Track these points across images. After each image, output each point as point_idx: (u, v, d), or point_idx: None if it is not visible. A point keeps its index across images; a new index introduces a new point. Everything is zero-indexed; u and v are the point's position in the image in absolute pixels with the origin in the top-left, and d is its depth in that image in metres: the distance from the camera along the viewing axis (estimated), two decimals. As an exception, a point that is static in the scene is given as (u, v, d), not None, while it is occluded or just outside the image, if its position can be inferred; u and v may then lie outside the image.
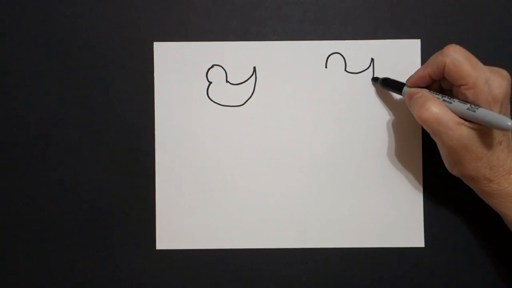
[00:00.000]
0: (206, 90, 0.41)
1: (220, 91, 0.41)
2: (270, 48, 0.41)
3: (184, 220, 0.41)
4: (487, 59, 0.41)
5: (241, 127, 0.41)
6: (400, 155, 0.41)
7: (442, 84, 0.37)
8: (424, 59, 0.41)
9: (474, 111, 0.33)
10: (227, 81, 0.41)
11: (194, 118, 0.41)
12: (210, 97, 0.41)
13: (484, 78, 0.33)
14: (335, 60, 0.41)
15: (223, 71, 0.41)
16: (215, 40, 0.41)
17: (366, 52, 0.41)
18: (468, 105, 0.33)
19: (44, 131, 0.41)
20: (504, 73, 0.34)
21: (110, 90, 0.41)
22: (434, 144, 0.41)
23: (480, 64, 0.33)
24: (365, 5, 0.41)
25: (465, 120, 0.33)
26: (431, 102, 0.34)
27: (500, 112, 0.33)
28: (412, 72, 0.41)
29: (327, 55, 0.41)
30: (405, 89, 0.38)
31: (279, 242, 0.41)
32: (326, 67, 0.41)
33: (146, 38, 0.41)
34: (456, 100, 0.34)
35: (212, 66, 0.41)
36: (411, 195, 0.41)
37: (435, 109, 0.34)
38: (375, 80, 0.40)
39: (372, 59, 0.41)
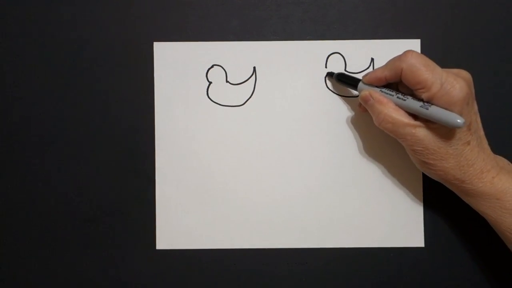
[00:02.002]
0: (206, 90, 0.41)
1: (220, 91, 0.41)
2: (270, 48, 0.41)
3: (184, 220, 0.41)
4: (487, 59, 0.41)
5: (241, 127, 0.41)
6: (400, 155, 0.41)
7: (399, 87, 0.37)
8: (424, 59, 0.41)
9: (427, 109, 0.33)
10: (227, 81, 0.41)
11: (194, 118, 0.41)
12: (210, 97, 0.41)
13: (440, 81, 0.33)
14: (335, 60, 0.41)
15: (223, 71, 0.41)
16: (215, 40, 0.41)
17: (366, 52, 0.41)
18: (421, 103, 0.34)
19: (44, 131, 0.41)
20: (464, 74, 0.35)
21: (110, 90, 0.41)
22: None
23: (437, 68, 0.34)
24: (365, 5, 0.41)
25: (423, 122, 0.34)
26: (387, 109, 0.35)
27: (461, 114, 0.33)
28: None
29: (327, 55, 0.41)
30: (360, 85, 0.38)
31: (279, 242, 0.41)
32: (326, 67, 0.41)
33: (146, 38, 0.41)
34: (409, 98, 0.34)
35: (212, 66, 0.41)
36: (411, 195, 0.41)
37: (391, 116, 0.35)
38: (330, 75, 0.40)
39: (372, 59, 0.41)
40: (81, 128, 0.41)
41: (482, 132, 0.36)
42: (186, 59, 0.41)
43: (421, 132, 0.34)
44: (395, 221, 0.41)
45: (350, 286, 0.41)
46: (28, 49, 0.41)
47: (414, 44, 0.41)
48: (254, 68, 0.41)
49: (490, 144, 0.41)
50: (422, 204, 0.41)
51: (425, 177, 0.41)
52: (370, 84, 0.37)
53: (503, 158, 0.37)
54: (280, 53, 0.41)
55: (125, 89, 0.41)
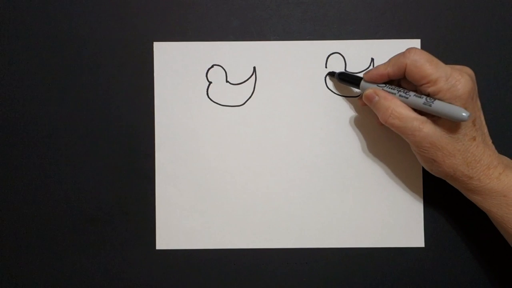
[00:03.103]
0: (206, 90, 0.41)
1: (220, 91, 0.41)
2: (270, 48, 0.41)
3: (184, 220, 0.41)
4: (487, 59, 0.41)
5: (241, 127, 0.41)
6: (400, 155, 0.41)
7: (401, 84, 0.37)
8: (424, 59, 0.41)
9: (430, 105, 0.33)
10: (227, 81, 0.41)
11: (194, 118, 0.41)
12: (210, 97, 0.41)
13: (445, 76, 0.33)
14: (335, 60, 0.41)
15: (223, 71, 0.41)
16: (215, 40, 0.41)
17: (366, 52, 0.41)
18: (424, 99, 0.34)
19: (44, 131, 0.41)
20: (467, 70, 0.35)
21: (110, 90, 0.41)
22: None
23: (441, 64, 0.34)
24: (365, 5, 0.41)
25: (430, 117, 0.34)
26: (393, 105, 0.35)
27: (466, 108, 0.33)
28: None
29: (327, 55, 0.41)
30: (363, 84, 0.38)
31: (279, 242, 0.41)
32: (326, 67, 0.41)
33: (146, 38, 0.41)
34: (412, 94, 0.35)
35: (212, 66, 0.41)
36: (411, 195, 0.41)
37: (398, 112, 0.35)
38: (331, 74, 0.40)
39: (372, 59, 0.41)
40: (81, 128, 0.41)
41: (486, 129, 0.36)
42: (186, 59, 0.41)
43: (429, 127, 0.34)
44: (395, 221, 0.41)
45: (350, 286, 0.41)
46: (28, 49, 0.41)
47: (414, 44, 0.41)
48: (254, 68, 0.41)
49: (490, 144, 0.41)
50: (422, 204, 0.41)
51: (425, 177, 0.41)
52: (372, 82, 0.37)
53: (506, 157, 0.37)
54: (280, 53, 0.41)
55: (125, 89, 0.41)
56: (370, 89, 0.36)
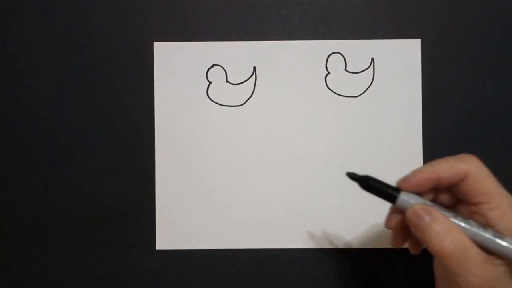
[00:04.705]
0: (206, 90, 0.41)
1: (220, 91, 0.41)
2: (270, 48, 0.41)
3: (184, 220, 0.41)
4: (487, 59, 0.41)
5: (241, 127, 0.41)
6: (400, 155, 0.41)
7: (438, 196, 0.30)
8: (424, 59, 0.41)
9: (502, 241, 0.26)
10: (227, 81, 0.41)
11: (194, 118, 0.41)
12: (210, 97, 0.41)
13: (508, 200, 0.27)
14: (335, 60, 0.41)
15: (223, 71, 0.41)
16: (215, 40, 0.41)
17: (366, 52, 0.41)
18: (491, 232, 0.26)
19: (44, 131, 0.41)
20: None
21: (110, 90, 0.41)
22: (434, 143, 0.41)
23: (500, 185, 0.28)
24: (365, 5, 0.41)
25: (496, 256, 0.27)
26: (454, 232, 0.27)
27: None
28: (413, 72, 0.41)
29: (327, 55, 0.41)
30: (403, 197, 0.28)
31: (279, 242, 0.41)
32: (326, 67, 0.41)
33: (146, 38, 0.41)
34: (474, 224, 0.27)
35: (212, 66, 0.41)
36: (411, 195, 0.41)
37: (461, 242, 0.27)
38: (351, 177, 0.31)
39: (372, 59, 0.41)
40: (81, 128, 0.41)
41: None
42: (186, 59, 0.41)
43: (493, 269, 0.26)
44: (395, 221, 0.41)
45: (350, 286, 0.41)
46: (28, 49, 0.41)
47: (414, 44, 0.41)
48: (254, 68, 0.41)
49: (490, 145, 0.41)
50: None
51: (425, 177, 0.41)
52: (413, 191, 0.29)
53: None
54: (280, 53, 0.41)
55: (125, 89, 0.41)
56: (420, 204, 0.28)
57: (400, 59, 0.41)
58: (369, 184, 0.30)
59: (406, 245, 0.32)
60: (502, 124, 0.41)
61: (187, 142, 0.41)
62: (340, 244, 0.41)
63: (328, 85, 0.41)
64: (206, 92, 0.41)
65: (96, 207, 0.41)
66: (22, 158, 0.41)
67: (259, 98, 0.41)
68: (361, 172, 0.41)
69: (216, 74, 0.41)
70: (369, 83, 0.41)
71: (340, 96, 0.41)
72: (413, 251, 0.32)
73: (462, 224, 0.27)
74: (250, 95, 0.41)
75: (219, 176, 0.41)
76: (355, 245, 0.41)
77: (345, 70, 0.41)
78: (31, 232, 0.41)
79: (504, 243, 0.26)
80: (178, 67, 0.41)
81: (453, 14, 0.41)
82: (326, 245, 0.41)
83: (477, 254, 0.26)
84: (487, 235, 0.27)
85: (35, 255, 0.41)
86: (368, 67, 0.41)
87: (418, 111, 0.41)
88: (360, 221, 0.41)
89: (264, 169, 0.41)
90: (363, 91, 0.41)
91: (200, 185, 0.41)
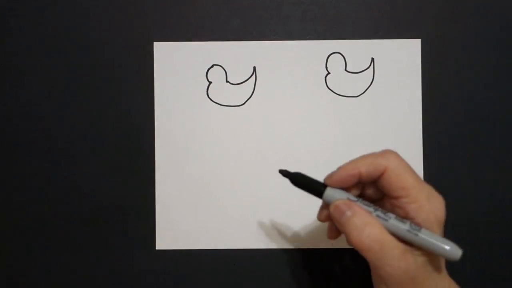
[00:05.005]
0: (206, 90, 0.41)
1: (220, 91, 0.41)
2: (270, 48, 0.41)
3: (184, 220, 0.41)
4: (487, 59, 0.41)
5: (241, 127, 0.41)
6: (400, 155, 0.41)
7: (365, 190, 0.31)
8: (424, 59, 0.41)
9: (416, 234, 0.27)
10: (227, 81, 0.41)
11: (194, 118, 0.41)
12: (210, 97, 0.41)
13: (427, 194, 0.28)
14: (335, 60, 0.41)
15: (223, 71, 0.41)
16: (215, 40, 0.41)
17: (366, 52, 0.41)
18: (408, 226, 0.28)
19: (44, 131, 0.41)
20: (440, 195, 0.30)
21: (110, 90, 0.41)
22: (434, 143, 0.41)
23: (420, 178, 0.29)
24: (365, 5, 0.41)
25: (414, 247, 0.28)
26: (372, 226, 0.28)
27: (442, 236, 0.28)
28: (413, 72, 0.41)
29: (327, 55, 0.41)
30: (329, 192, 0.30)
31: (279, 242, 0.41)
32: (326, 67, 0.41)
33: (146, 38, 0.41)
34: (392, 217, 0.28)
35: (212, 66, 0.41)
36: (411, 195, 0.41)
37: (378, 236, 0.27)
38: (284, 174, 0.32)
39: (372, 59, 0.41)
40: (81, 128, 0.41)
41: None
42: (186, 59, 0.41)
43: (411, 259, 0.27)
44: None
45: (351, 286, 0.41)
46: (28, 50, 0.41)
47: (414, 44, 0.41)
48: (254, 68, 0.41)
49: (490, 145, 0.41)
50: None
51: (425, 177, 0.41)
52: (338, 186, 0.30)
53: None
54: (280, 53, 0.41)
55: (125, 89, 0.41)
56: (342, 199, 0.29)
57: (400, 59, 0.41)
58: (298, 180, 0.31)
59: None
60: (502, 124, 0.41)
61: (187, 142, 0.41)
62: (340, 245, 0.41)
63: (328, 85, 0.41)
64: (206, 92, 0.41)
65: (96, 207, 0.41)
66: (22, 158, 0.41)
67: (259, 98, 0.41)
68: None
69: (216, 74, 0.41)
70: (369, 83, 0.41)
71: (340, 96, 0.41)
72: (329, 237, 0.34)
73: (382, 217, 0.28)
74: (250, 95, 0.41)
75: (219, 176, 0.41)
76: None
77: (345, 70, 0.41)
78: (31, 232, 0.41)
79: (420, 235, 0.27)
80: (178, 67, 0.41)
81: (453, 14, 0.41)
82: (326, 245, 0.41)
83: (395, 247, 0.27)
84: (404, 227, 0.28)
85: (35, 255, 0.41)
86: (368, 67, 0.41)
87: (418, 111, 0.41)
88: (360, 221, 0.41)
89: (264, 169, 0.41)
90: (363, 91, 0.41)
91: (200, 185, 0.41)
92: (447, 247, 0.27)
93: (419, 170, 0.41)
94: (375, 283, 0.30)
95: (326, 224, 0.41)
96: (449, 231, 0.41)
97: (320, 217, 0.32)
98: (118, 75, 0.41)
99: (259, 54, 0.41)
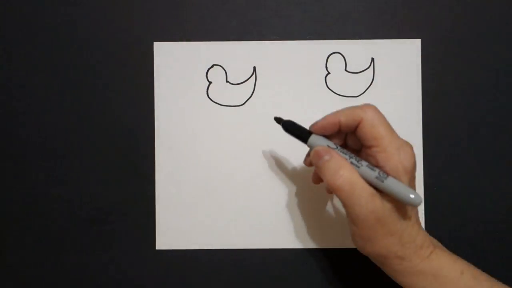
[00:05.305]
0: (206, 90, 0.41)
1: (220, 91, 0.41)
2: (270, 48, 0.41)
3: (184, 220, 0.41)
4: (487, 59, 0.41)
5: (241, 127, 0.41)
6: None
7: (347, 140, 0.34)
8: (424, 59, 0.41)
9: (383, 181, 0.30)
10: (227, 81, 0.41)
11: (194, 118, 0.41)
12: (210, 97, 0.41)
13: (397, 144, 0.31)
14: (335, 60, 0.41)
15: (223, 71, 0.41)
16: (215, 40, 0.41)
17: (366, 52, 0.41)
18: (377, 173, 0.31)
19: (44, 131, 0.41)
20: (411, 147, 0.32)
21: (110, 90, 0.41)
22: (434, 143, 0.41)
23: (394, 132, 0.32)
24: (365, 5, 0.41)
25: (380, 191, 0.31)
26: (344, 169, 0.31)
27: (410, 185, 0.31)
28: (413, 72, 0.41)
29: (327, 55, 0.41)
30: (313, 139, 0.33)
31: (279, 242, 0.41)
32: (326, 67, 0.41)
33: (146, 38, 0.41)
34: (364, 164, 0.31)
35: (212, 66, 0.41)
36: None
37: (349, 178, 0.31)
38: (277, 120, 0.36)
39: (372, 59, 0.41)
40: (81, 128, 0.41)
41: (417, 209, 0.33)
42: (186, 59, 0.41)
43: (378, 202, 0.30)
44: (395, 221, 0.41)
45: (351, 286, 0.41)
46: (28, 49, 0.41)
47: (414, 44, 0.41)
48: (254, 68, 0.41)
49: (490, 145, 0.41)
50: (422, 204, 0.41)
51: (425, 177, 0.41)
52: (321, 134, 0.33)
53: (434, 238, 0.35)
54: (280, 53, 0.41)
55: (125, 89, 0.41)
56: (321, 146, 0.33)
57: (400, 59, 0.41)
58: (289, 126, 0.35)
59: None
60: (502, 124, 0.41)
61: (187, 142, 0.41)
62: (340, 244, 0.41)
63: (328, 85, 0.41)
64: (206, 92, 0.41)
65: (96, 207, 0.41)
66: (22, 158, 0.41)
67: (259, 98, 0.41)
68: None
69: (216, 74, 0.41)
70: (369, 83, 0.41)
71: (340, 96, 0.41)
72: (313, 182, 0.38)
73: (355, 164, 0.31)
74: (250, 95, 0.41)
75: (219, 176, 0.41)
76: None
77: (345, 70, 0.41)
78: (31, 232, 0.41)
79: (385, 182, 0.30)
80: (178, 67, 0.41)
81: (453, 14, 0.41)
82: (326, 245, 0.41)
83: (364, 189, 0.30)
84: (373, 174, 0.31)
85: (35, 255, 0.41)
86: (368, 67, 0.41)
87: (418, 111, 0.41)
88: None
89: (264, 169, 0.41)
90: (363, 91, 0.41)
91: (200, 185, 0.41)
92: (408, 194, 0.29)
93: (419, 170, 0.41)
94: (348, 224, 0.33)
95: (326, 224, 0.41)
96: (449, 231, 0.41)
97: (305, 162, 0.37)
98: (118, 75, 0.41)
99: (259, 54, 0.41)
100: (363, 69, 0.41)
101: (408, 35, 0.41)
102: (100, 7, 0.41)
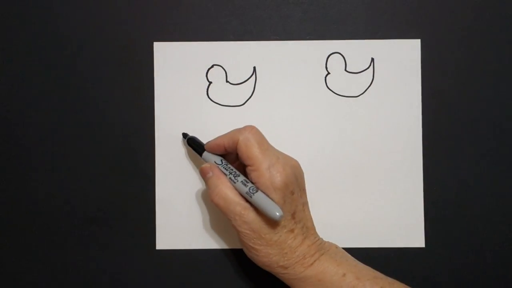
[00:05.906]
0: (206, 90, 0.41)
1: (220, 91, 0.41)
2: (270, 48, 0.41)
3: (184, 220, 0.41)
4: (487, 59, 0.41)
5: (241, 127, 0.41)
6: (400, 155, 0.41)
7: (238, 156, 0.37)
8: (424, 59, 0.41)
9: (251, 196, 0.34)
10: (227, 81, 0.41)
11: (194, 118, 0.41)
12: (210, 97, 0.41)
13: (269, 163, 0.34)
14: (335, 60, 0.41)
15: (223, 71, 0.41)
16: (215, 40, 0.41)
17: (366, 52, 0.41)
18: (247, 189, 0.34)
19: (44, 131, 0.41)
20: (294, 162, 0.36)
21: (110, 90, 0.41)
22: (434, 144, 0.41)
23: (270, 151, 0.35)
24: (365, 5, 0.41)
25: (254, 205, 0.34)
26: (221, 186, 0.35)
27: (283, 202, 0.33)
28: (413, 72, 0.41)
29: (327, 55, 0.41)
30: (205, 155, 0.38)
31: (279, 242, 0.41)
32: (326, 67, 0.41)
33: (146, 38, 0.41)
34: (239, 181, 0.35)
35: (212, 66, 0.41)
36: (411, 195, 0.41)
37: (224, 194, 0.35)
38: (184, 136, 0.40)
39: (372, 59, 0.41)
40: (81, 128, 0.41)
41: (310, 223, 0.36)
42: (186, 59, 0.41)
43: (251, 215, 0.34)
44: (395, 221, 0.41)
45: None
46: (28, 49, 0.41)
47: (414, 44, 0.41)
48: (254, 68, 0.41)
49: (490, 145, 0.41)
50: (422, 204, 0.41)
51: (425, 177, 0.41)
52: (213, 152, 0.37)
53: (332, 243, 0.37)
54: (280, 53, 0.41)
55: (125, 89, 0.41)
56: (207, 164, 0.37)
57: (400, 59, 0.41)
58: (189, 141, 0.39)
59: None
60: (502, 124, 0.41)
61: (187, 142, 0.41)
62: (340, 244, 0.41)
63: (328, 85, 0.41)
64: (206, 92, 0.41)
65: (96, 207, 0.41)
66: (22, 158, 0.41)
67: (259, 98, 0.41)
68: (361, 172, 0.41)
69: (216, 74, 0.41)
70: (369, 83, 0.41)
71: (340, 96, 0.41)
72: None
73: (232, 180, 0.35)
74: (250, 95, 0.41)
75: (219, 176, 0.41)
76: (355, 245, 0.41)
77: (345, 70, 0.41)
78: (31, 232, 0.41)
79: (253, 197, 0.34)
80: (178, 67, 0.41)
81: (453, 14, 0.41)
82: (326, 245, 0.41)
83: (237, 204, 0.34)
84: (244, 189, 0.34)
85: (36, 255, 0.41)
86: (368, 67, 0.41)
87: (418, 111, 0.41)
88: (360, 221, 0.41)
89: (264, 169, 0.41)
90: (363, 91, 0.41)
91: (200, 185, 0.41)
92: (270, 209, 0.33)
93: (418, 170, 0.41)
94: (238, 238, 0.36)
95: (326, 224, 0.41)
96: (449, 230, 0.41)
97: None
98: (118, 75, 0.41)
99: (259, 54, 0.41)
100: (363, 69, 0.41)
101: (408, 35, 0.41)
102: (100, 7, 0.41)
